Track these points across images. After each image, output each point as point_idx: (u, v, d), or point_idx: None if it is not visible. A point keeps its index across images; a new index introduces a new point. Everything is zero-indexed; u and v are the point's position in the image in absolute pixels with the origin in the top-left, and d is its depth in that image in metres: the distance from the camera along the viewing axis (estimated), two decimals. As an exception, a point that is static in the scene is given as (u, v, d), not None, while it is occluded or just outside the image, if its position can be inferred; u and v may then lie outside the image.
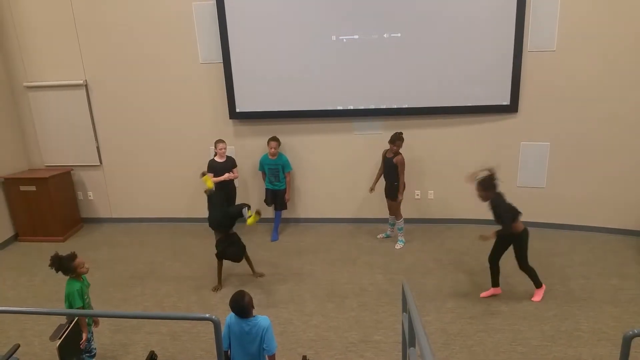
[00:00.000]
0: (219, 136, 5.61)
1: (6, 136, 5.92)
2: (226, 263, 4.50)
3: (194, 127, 5.92)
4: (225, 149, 5.45)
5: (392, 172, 5.10)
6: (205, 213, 5.60)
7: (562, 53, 5.07)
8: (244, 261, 4.49)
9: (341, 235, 5.72)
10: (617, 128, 5.12)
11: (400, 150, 5.06)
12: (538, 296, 4.06)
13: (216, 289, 4.46)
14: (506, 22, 5.06)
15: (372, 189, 5.35)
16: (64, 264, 3.01)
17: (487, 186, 3.85)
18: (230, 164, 5.51)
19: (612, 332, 3.55)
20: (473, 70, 5.27)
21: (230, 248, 4.35)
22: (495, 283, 4.17)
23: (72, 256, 3.06)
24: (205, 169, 5.35)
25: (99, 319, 3.39)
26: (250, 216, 4.39)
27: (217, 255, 4.45)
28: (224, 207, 4.64)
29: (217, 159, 5.46)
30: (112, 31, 5.72)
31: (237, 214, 4.44)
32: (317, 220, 6.14)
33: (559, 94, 5.20)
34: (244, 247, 4.44)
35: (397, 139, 5.01)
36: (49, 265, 3.00)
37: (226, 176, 5.38)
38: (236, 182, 5.68)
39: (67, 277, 3.07)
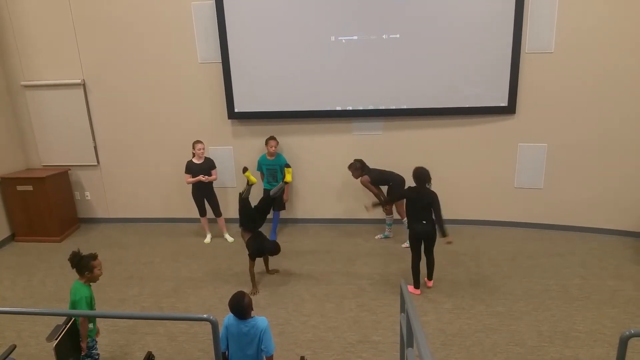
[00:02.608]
0: (217, 136, 5.59)
1: (3, 135, 5.89)
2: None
3: (192, 127, 5.90)
4: (203, 149, 5.39)
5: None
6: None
7: (560, 55, 5.09)
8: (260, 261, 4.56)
9: (340, 236, 5.72)
10: (614, 129, 5.14)
11: (397, 149, 5.13)
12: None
13: (254, 292, 4.26)
14: (504, 23, 5.07)
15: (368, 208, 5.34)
16: (83, 261, 2.92)
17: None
18: (208, 166, 5.45)
19: (609, 332, 3.56)
20: (471, 72, 5.28)
21: (266, 243, 4.36)
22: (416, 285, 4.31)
23: (94, 255, 2.99)
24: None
25: (99, 327, 3.33)
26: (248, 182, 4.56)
27: (251, 255, 4.34)
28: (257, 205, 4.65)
29: (195, 160, 5.41)
30: (111, 30, 5.70)
31: (269, 198, 4.63)
32: (315, 220, 6.14)
33: (556, 96, 5.22)
34: (275, 242, 4.49)
35: (349, 167, 5.30)
36: (69, 259, 2.93)
37: (200, 178, 5.32)
38: (215, 184, 5.62)
39: (75, 280, 2.96)
